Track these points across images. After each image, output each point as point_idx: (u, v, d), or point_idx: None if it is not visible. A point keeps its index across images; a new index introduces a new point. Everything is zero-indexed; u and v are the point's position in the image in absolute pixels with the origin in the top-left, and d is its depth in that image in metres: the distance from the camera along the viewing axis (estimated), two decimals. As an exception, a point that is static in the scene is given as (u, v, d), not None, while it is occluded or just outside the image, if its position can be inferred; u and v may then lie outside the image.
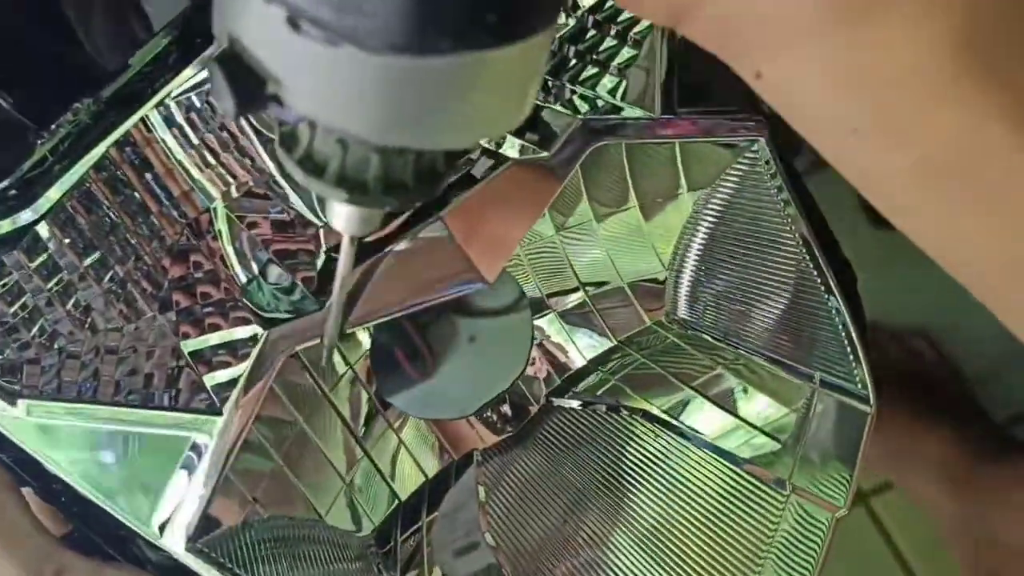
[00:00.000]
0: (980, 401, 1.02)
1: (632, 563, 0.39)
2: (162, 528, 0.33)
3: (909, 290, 1.07)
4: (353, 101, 0.20)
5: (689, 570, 0.38)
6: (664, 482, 0.41)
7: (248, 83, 0.21)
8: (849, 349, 0.38)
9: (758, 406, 0.42)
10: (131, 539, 0.34)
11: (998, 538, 0.89)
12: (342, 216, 0.25)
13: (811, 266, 0.38)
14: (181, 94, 0.32)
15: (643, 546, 0.39)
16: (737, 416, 0.42)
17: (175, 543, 0.33)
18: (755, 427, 0.41)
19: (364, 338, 0.44)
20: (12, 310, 0.32)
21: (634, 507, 0.40)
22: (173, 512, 0.33)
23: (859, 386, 0.39)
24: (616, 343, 0.46)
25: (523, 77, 0.21)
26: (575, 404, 0.45)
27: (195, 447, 0.33)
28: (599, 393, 0.45)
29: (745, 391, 0.42)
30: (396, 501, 0.43)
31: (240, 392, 0.34)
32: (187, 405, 0.34)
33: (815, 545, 0.38)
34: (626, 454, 0.42)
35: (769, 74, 0.29)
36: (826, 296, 0.38)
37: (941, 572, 1.01)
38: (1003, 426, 1.02)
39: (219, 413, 0.33)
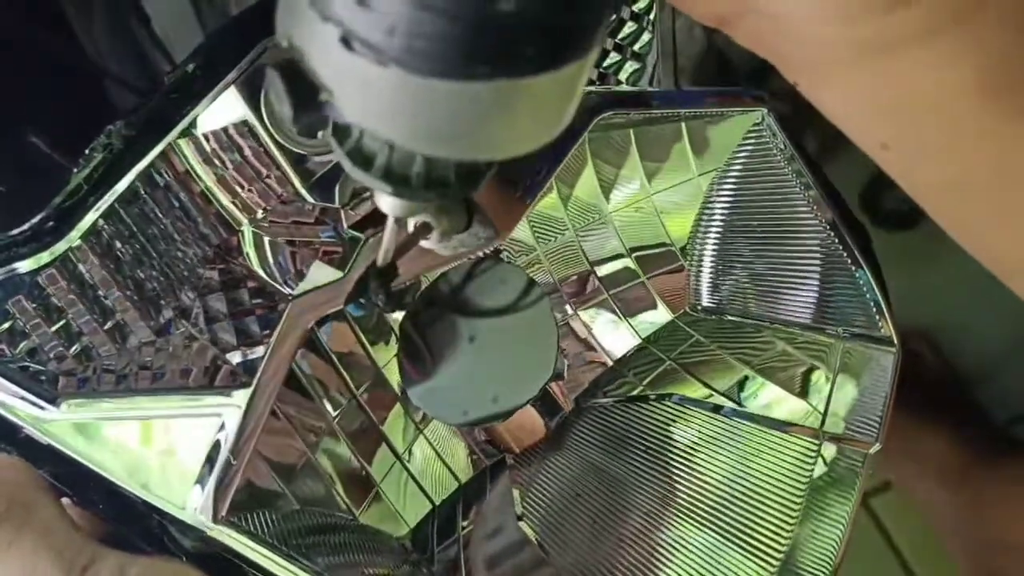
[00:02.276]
0: (980, 401, 1.02)
1: (687, 536, 0.40)
2: (196, 507, 0.34)
3: (908, 291, 1.08)
4: (397, 115, 0.21)
5: (730, 527, 0.40)
6: (705, 456, 0.42)
7: (304, 89, 0.22)
8: (872, 302, 0.40)
9: (785, 398, 0.43)
10: (166, 531, 0.34)
11: (998, 537, 0.89)
12: (387, 200, 0.26)
13: (833, 235, 0.40)
14: (208, 122, 0.33)
15: (692, 519, 0.40)
16: (759, 415, 0.43)
17: (209, 517, 0.34)
18: (780, 420, 0.42)
19: (392, 339, 0.44)
20: (53, 328, 0.33)
21: (683, 486, 0.41)
22: (207, 489, 0.34)
23: (883, 332, 0.40)
24: (641, 341, 0.46)
25: (561, 98, 0.23)
26: (605, 403, 0.45)
27: (224, 426, 0.34)
28: (629, 396, 0.45)
29: (766, 385, 0.43)
30: (431, 505, 0.43)
31: (266, 363, 0.34)
32: (216, 384, 0.35)
33: (852, 483, 0.39)
34: (666, 438, 0.43)
35: (805, 86, 0.30)
36: (849, 261, 0.40)
37: (941, 572, 1.01)
38: (1003, 426, 1.02)
39: (246, 386, 0.34)
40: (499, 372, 0.45)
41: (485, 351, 0.45)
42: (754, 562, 0.38)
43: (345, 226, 0.36)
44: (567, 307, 0.47)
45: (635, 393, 0.45)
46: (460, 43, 0.19)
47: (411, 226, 0.32)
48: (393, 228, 0.31)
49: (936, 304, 1.05)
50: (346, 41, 0.20)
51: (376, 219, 0.36)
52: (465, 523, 0.41)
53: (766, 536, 0.39)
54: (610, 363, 0.46)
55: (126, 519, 0.34)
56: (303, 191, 0.35)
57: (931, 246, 1.13)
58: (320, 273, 0.35)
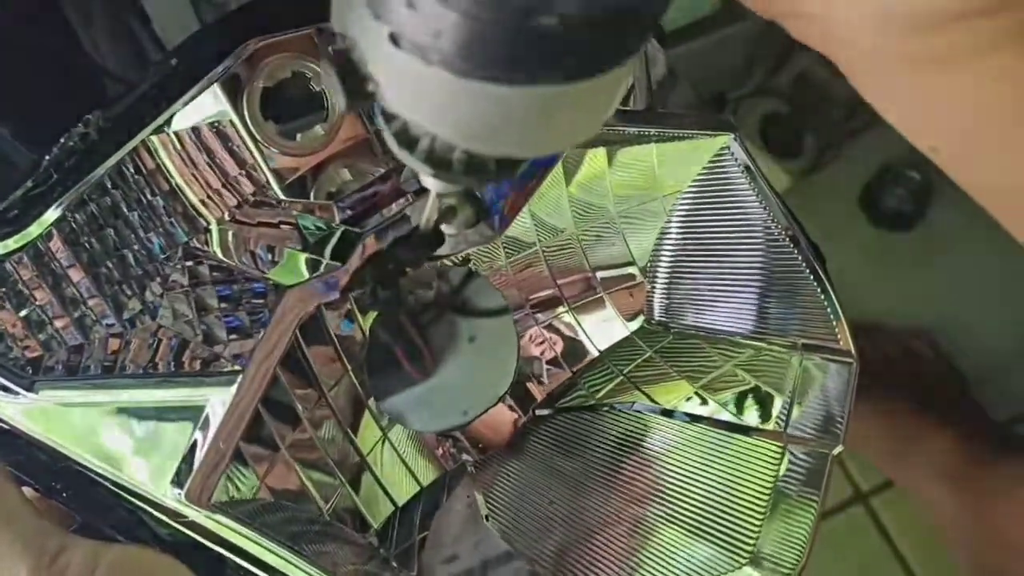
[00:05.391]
0: (980, 401, 1.02)
1: (656, 531, 0.41)
2: (180, 492, 0.34)
3: (909, 290, 1.08)
4: (438, 111, 0.22)
5: (698, 525, 0.41)
6: (666, 458, 0.43)
7: (354, 79, 0.24)
8: (831, 314, 0.41)
9: (743, 408, 0.44)
10: (139, 521, 0.34)
11: (999, 537, 0.89)
12: (429, 179, 0.27)
13: (795, 253, 0.41)
14: (185, 119, 0.34)
15: (658, 515, 0.41)
16: (717, 420, 0.44)
17: (195, 503, 0.34)
18: (739, 424, 0.43)
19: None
20: (20, 315, 0.34)
21: (645, 486, 0.43)
22: (192, 474, 0.34)
23: (840, 343, 0.42)
24: (599, 354, 0.48)
25: (600, 101, 0.23)
26: (560, 411, 0.47)
27: (209, 414, 0.34)
28: (582, 406, 0.46)
29: (718, 401, 0.44)
30: (393, 507, 0.43)
31: (259, 348, 0.34)
32: (203, 373, 0.35)
33: (815, 481, 0.40)
34: (624, 442, 0.44)
35: (857, 85, 0.31)
36: (809, 275, 0.41)
37: (941, 572, 1.01)
38: (1003, 426, 1.02)
39: (237, 372, 0.34)
40: (498, 372, 0.45)
41: (485, 351, 0.45)
42: (724, 554, 0.39)
43: (338, 220, 0.36)
44: (535, 317, 0.48)
45: (587, 404, 0.46)
46: (502, 50, 0.20)
47: (436, 211, 0.33)
48: (434, 202, 0.32)
49: (936, 304, 1.05)
50: (394, 39, 0.21)
51: (370, 212, 0.37)
52: (420, 535, 0.42)
53: (734, 530, 0.40)
54: (570, 373, 0.48)
55: (93, 507, 0.34)
56: (278, 191, 0.35)
57: (931, 246, 1.13)
58: (301, 261, 0.36)
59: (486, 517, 0.41)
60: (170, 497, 0.34)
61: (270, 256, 0.36)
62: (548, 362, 0.48)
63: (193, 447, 0.34)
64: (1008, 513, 0.89)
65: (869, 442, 0.97)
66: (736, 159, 0.41)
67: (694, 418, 0.44)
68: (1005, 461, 0.92)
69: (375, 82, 0.23)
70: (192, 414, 0.34)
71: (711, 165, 0.42)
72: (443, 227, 0.34)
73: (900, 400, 0.97)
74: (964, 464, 0.93)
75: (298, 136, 0.35)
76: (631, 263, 0.47)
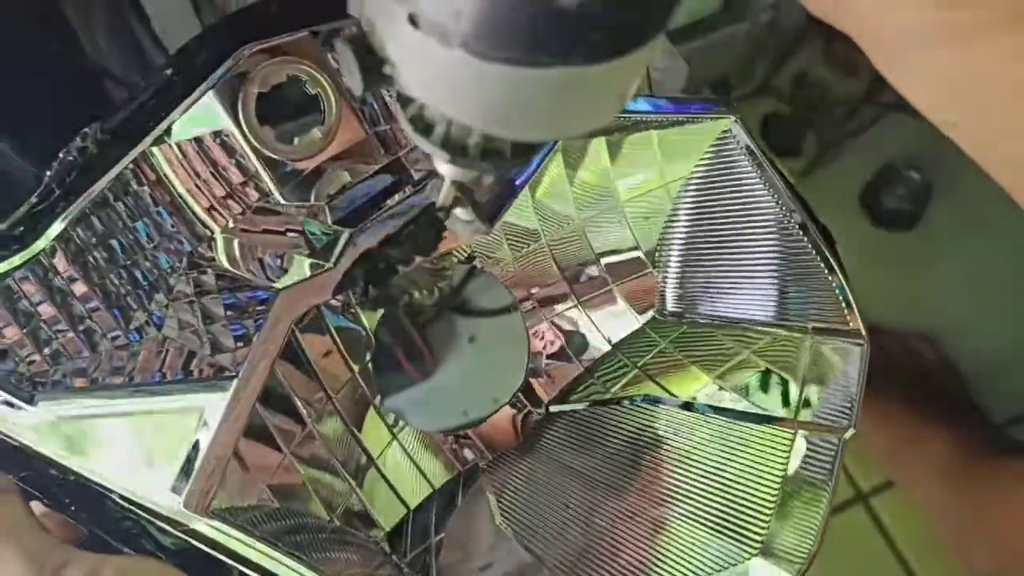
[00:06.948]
0: (980, 401, 1.02)
1: (669, 526, 0.41)
2: (179, 500, 0.33)
3: (909, 290, 1.08)
4: (457, 94, 0.22)
5: (710, 515, 0.41)
6: (678, 449, 0.43)
7: (371, 62, 0.24)
8: (842, 300, 0.41)
9: (755, 397, 0.43)
10: (144, 530, 0.34)
11: (998, 538, 0.89)
12: (445, 166, 0.27)
13: (803, 238, 0.41)
14: (184, 128, 0.33)
15: (672, 509, 0.41)
16: (730, 410, 0.43)
17: (194, 510, 0.33)
18: (752, 413, 0.43)
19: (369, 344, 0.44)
20: (24, 331, 0.34)
21: (658, 480, 0.43)
22: (190, 481, 0.33)
23: (851, 326, 0.41)
24: (611, 347, 0.47)
25: (621, 83, 0.23)
26: (575, 407, 0.46)
27: (206, 420, 0.34)
28: (597, 401, 0.46)
29: (735, 389, 0.44)
30: (406, 510, 0.43)
31: (252, 353, 0.34)
32: (199, 379, 0.35)
33: (827, 467, 0.40)
34: (637, 436, 0.44)
35: (875, 62, 0.32)
36: (818, 259, 0.41)
37: (941, 572, 1.01)
38: (1003, 426, 1.02)
39: (230, 378, 0.34)
40: (497, 373, 0.45)
41: (487, 351, 0.45)
42: (736, 545, 0.39)
43: (330, 221, 0.36)
44: (542, 312, 0.47)
45: (602, 398, 0.46)
46: (522, 32, 0.20)
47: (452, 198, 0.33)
48: (450, 189, 0.32)
49: (936, 304, 1.05)
50: (413, 20, 0.21)
51: (361, 212, 0.37)
52: (437, 537, 0.42)
53: (746, 522, 0.40)
54: (582, 368, 0.47)
55: (101, 520, 0.34)
56: (278, 196, 0.35)
57: (931, 246, 1.13)
58: (306, 266, 0.36)
59: (496, 519, 0.41)
60: (170, 505, 0.33)
61: (279, 263, 0.36)
62: (551, 356, 0.48)
63: (191, 454, 0.33)
64: (1007, 514, 0.89)
65: (868, 441, 0.97)
66: (739, 142, 0.41)
67: (707, 409, 0.43)
68: (1003, 462, 0.92)
69: (392, 65, 0.23)
70: (190, 421, 0.34)
71: (714, 150, 0.42)
72: (457, 211, 0.34)
73: (900, 400, 0.97)
74: (962, 464, 0.93)
75: (295, 140, 0.35)
76: (636, 248, 0.46)
